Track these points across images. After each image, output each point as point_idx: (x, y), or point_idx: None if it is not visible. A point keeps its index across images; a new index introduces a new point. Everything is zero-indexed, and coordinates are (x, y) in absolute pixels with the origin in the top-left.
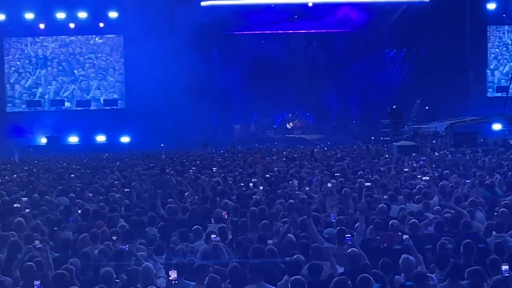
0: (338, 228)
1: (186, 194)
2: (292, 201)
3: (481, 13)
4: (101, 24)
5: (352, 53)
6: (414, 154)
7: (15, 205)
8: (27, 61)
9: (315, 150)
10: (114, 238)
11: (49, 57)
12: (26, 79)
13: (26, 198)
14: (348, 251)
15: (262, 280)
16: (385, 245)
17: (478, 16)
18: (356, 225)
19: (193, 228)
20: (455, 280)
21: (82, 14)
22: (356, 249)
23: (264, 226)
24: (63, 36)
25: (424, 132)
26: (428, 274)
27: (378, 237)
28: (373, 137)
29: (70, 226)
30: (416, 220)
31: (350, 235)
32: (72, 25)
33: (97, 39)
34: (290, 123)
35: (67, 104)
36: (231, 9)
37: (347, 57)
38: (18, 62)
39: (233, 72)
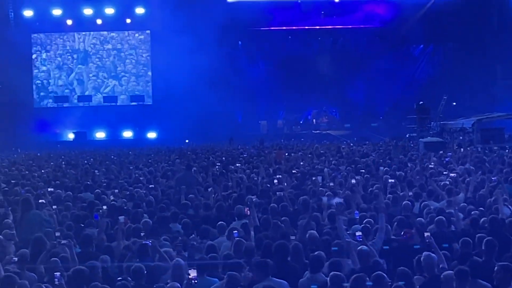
0: (363, 225)
1: (209, 189)
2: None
3: (509, 8)
4: (128, 20)
5: (379, 48)
6: (441, 151)
7: (40, 200)
8: (69, 56)
9: (342, 146)
10: (142, 234)
11: (91, 53)
12: (68, 74)
13: (52, 194)
14: (358, 248)
15: (270, 276)
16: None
17: (505, 11)
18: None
19: (216, 225)
20: (475, 278)
21: (109, 10)
22: (366, 247)
23: (286, 222)
24: (93, 32)
25: (451, 128)
26: None
27: (401, 235)
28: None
29: (95, 223)
30: (441, 217)
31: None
32: (99, 21)
33: (126, 34)
34: (317, 119)
35: (95, 99)
36: (258, 6)
37: (373, 52)
38: (59, 58)
39: (260, 68)
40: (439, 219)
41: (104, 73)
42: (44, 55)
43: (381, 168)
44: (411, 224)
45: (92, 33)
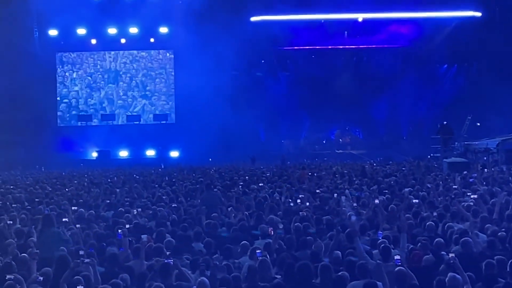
0: (383, 245)
1: (229, 209)
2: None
3: None
4: (152, 40)
5: (403, 68)
6: (465, 172)
7: (64, 219)
8: (99, 75)
9: (366, 166)
10: (168, 253)
11: (120, 72)
12: (98, 93)
13: (75, 212)
14: (396, 269)
15: None
16: (413, 264)
17: None
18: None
19: (239, 244)
20: None
21: (133, 30)
22: (404, 268)
23: (309, 242)
24: (123, 51)
25: (475, 149)
26: None
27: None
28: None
29: (118, 241)
30: (466, 238)
31: (399, 256)
32: (123, 41)
33: (153, 53)
34: (340, 139)
35: (118, 118)
36: (281, 25)
37: (397, 72)
38: (89, 77)
39: (282, 87)
40: (463, 240)
41: (133, 92)
42: (74, 74)
43: (405, 188)
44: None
45: (122, 52)
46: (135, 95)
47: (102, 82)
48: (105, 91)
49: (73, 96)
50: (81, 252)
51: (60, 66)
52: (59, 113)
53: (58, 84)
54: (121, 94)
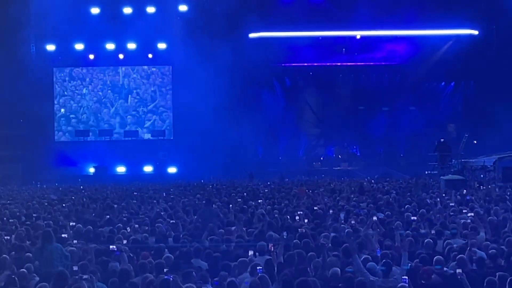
0: (384, 260)
1: (233, 228)
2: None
3: None
4: (150, 55)
5: (400, 86)
6: (464, 190)
7: (63, 235)
8: (97, 91)
9: (364, 183)
10: (166, 270)
11: (118, 88)
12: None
13: (73, 228)
14: (398, 286)
15: None
16: (422, 281)
17: None
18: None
19: (238, 260)
20: None
21: (131, 45)
22: (406, 285)
23: (309, 259)
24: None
25: (472, 166)
26: None
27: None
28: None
29: (116, 257)
30: (463, 256)
31: (406, 277)
32: (121, 56)
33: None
34: (340, 155)
35: (115, 133)
36: (279, 42)
37: (395, 89)
38: (100, 93)
39: (280, 103)
40: (460, 257)
41: (131, 108)
42: (84, 90)
43: (402, 205)
44: (433, 262)
45: (120, 67)
46: (132, 110)
47: (101, 97)
48: (103, 107)
49: (70, 111)
50: (74, 268)
51: (58, 81)
52: (56, 128)
53: (55, 99)
54: (119, 110)
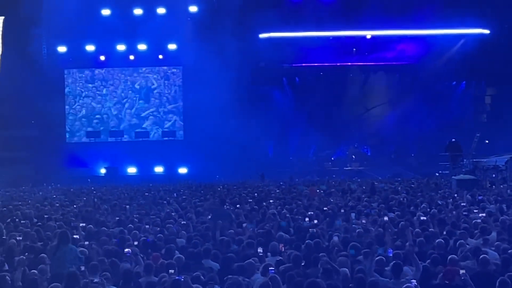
0: (394, 262)
1: (244, 225)
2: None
3: None
4: (161, 56)
5: (411, 85)
6: (474, 189)
7: (74, 236)
8: (130, 91)
9: (375, 183)
10: (175, 270)
11: (129, 89)
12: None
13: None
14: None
15: None
16: (446, 281)
17: None
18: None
19: (250, 261)
20: None
21: (142, 46)
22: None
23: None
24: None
25: (483, 166)
26: None
27: (436, 272)
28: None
29: (127, 258)
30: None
31: (414, 280)
32: (132, 57)
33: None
34: (353, 155)
35: (126, 134)
36: (289, 42)
37: (405, 89)
38: (122, 94)
39: (291, 103)
40: (479, 257)
41: (141, 109)
42: (104, 90)
43: (414, 205)
44: (445, 262)
45: (131, 68)
46: (143, 111)
47: (112, 98)
48: (114, 108)
49: (81, 111)
50: (82, 268)
51: (69, 82)
52: (67, 129)
53: (66, 100)
54: (130, 110)
